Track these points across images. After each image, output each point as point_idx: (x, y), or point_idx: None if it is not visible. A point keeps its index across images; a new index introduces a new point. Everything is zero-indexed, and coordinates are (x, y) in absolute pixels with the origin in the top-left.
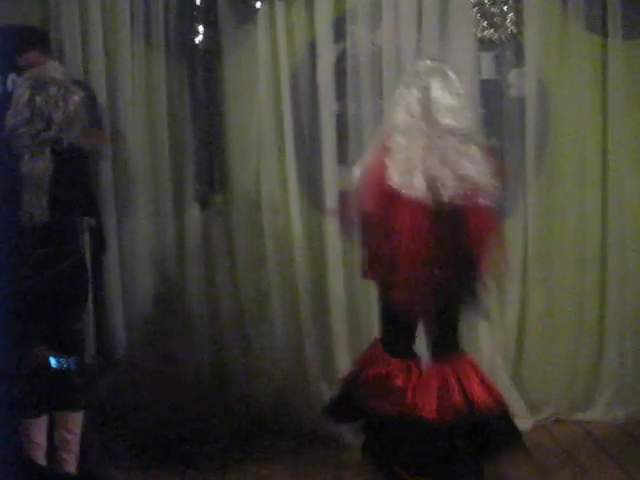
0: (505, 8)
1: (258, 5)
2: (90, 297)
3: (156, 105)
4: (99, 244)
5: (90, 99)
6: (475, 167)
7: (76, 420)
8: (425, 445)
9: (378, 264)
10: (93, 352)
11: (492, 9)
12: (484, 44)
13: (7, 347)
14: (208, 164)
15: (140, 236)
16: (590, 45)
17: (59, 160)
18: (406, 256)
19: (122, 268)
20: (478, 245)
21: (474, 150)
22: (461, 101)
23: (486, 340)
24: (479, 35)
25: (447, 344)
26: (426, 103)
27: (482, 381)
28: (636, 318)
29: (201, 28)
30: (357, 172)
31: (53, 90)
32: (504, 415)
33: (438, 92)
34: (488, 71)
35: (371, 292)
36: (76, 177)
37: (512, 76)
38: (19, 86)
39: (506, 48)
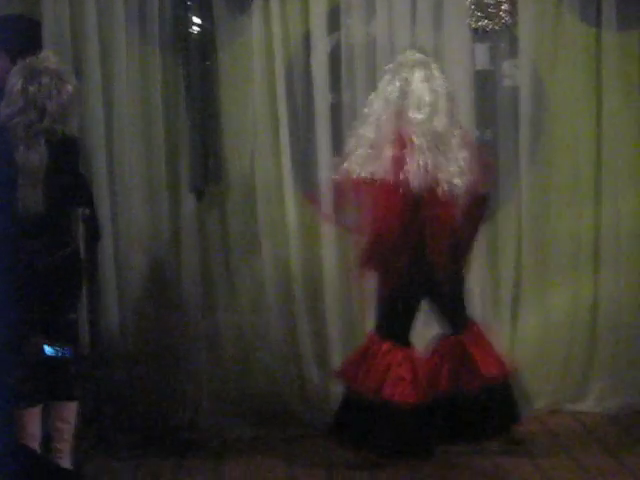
0: None
1: None
2: (84, 287)
3: (151, 97)
4: (93, 234)
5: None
6: (443, 163)
7: (71, 410)
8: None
9: (374, 252)
10: (87, 342)
11: (486, 0)
12: (478, 35)
13: (2, 336)
14: (203, 155)
15: (135, 226)
16: (584, 36)
17: (53, 150)
18: (381, 239)
19: (117, 258)
20: (435, 235)
21: (447, 149)
22: (440, 97)
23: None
24: (473, 26)
25: (459, 319)
26: (404, 95)
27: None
28: (629, 310)
29: (196, 20)
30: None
31: (46, 80)
32: (508, 387)
33: (418, 85)
34: (482, 62)
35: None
36: (70, 167)
37: (506, 67)
38: (12, 76)
39: (500, 39)
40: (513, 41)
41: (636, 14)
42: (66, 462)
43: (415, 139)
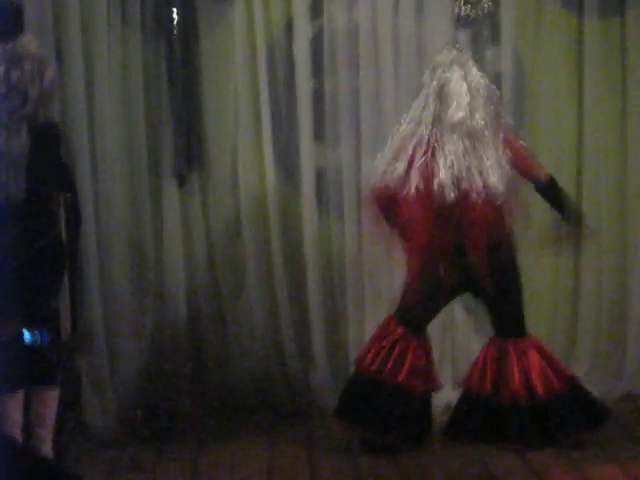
0: None
1: None
2: (66, 273)
3: (132, 82)
4: (75, 220)
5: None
6: (481, 166)
7: (51, 395)
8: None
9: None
10: (68, 328)
11: None
12: (461, 21)
13: None
14: (185, 141)
15: (116, 211)
16: (566, 23)
17: (35, 136)
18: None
19: (99, 244)
20: (472, 240)
21: (486, 147)
22: (478, 95)
23: (463, 319)
24: (456, 12)
25: (509, 325)
26: (443, 96)
27: (547, 363)
28: (611, 296)
29: (178, 4)
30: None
31: (28, 65)
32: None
33: (455, 85)
34: (465, 48)
35: (347, 267)
36: (52, 153)
37: (488, 54)
38: None
39: (483, 25)
40: (495, 28)
41: (617, 1)
42: (47, 448)
43: (450, 144)
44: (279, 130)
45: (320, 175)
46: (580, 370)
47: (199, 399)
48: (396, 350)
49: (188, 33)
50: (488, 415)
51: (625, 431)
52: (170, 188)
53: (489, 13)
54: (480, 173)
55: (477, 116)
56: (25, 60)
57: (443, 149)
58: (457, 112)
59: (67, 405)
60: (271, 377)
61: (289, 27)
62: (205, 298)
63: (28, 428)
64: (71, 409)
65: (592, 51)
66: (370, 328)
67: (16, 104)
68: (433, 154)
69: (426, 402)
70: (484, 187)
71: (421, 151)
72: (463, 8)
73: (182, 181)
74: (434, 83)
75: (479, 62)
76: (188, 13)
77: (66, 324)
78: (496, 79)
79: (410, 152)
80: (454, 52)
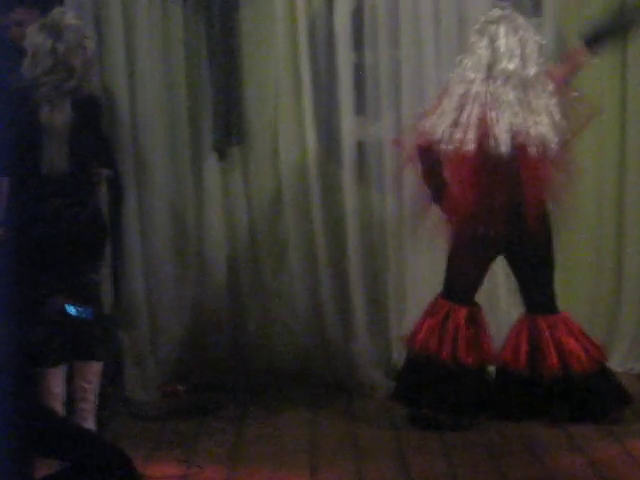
0: None
1: None
2: (109, 248)
3: (173, 54)
4: (117, 195)
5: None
6: (535, 118)
7: (94, 370)
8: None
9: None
10: (111, 302)
11: None
12: None
13: (25, 295)
14: (226, 114)
15: (158, 186)
16: None
17: (78, 109)
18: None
19: (141, 218)
20: (530, 197)
21: (538, 99)
22: (529, 46)
23: (504, 294)
24: None
25: (540, 301)
26: (493, 50)
27: (577, 339)
28: None
29: None
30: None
31: (72, 37)
32: (597, 374)
33: (505, 38)
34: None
35: (388, 240)
36: (94, 126)
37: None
38: (35, 34)
39: None
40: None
41: None
42: (90, 422)
43: (504, 95)
44: (320, 103)
45: (361, 148)
46: (622, 345)
47: (240, 372)
48: (447, 326)
49: (228, 5)
50: (524, 390)
51: None
52: (211, 161)
53: None
54: (535, 125)
55: (529, 67)
56: (66, 32)
57: (497, 102)
58: (510, 63)
59: (109, 379)
60: (312, 350)
61: (329, 0)
62: (246, 270)
63: (71, 402)
64: (113, 383)
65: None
66: (411, 302)
67: (62, 77)
68: (487, 109)
69: (482, 375)
70: (538, 140)
71: (474, 106)
72: None
73: (223, 154)
74: (484, 38)
75: None
76: None
77: (108, 298)
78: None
79: (461, 108)
80: (500, 10)
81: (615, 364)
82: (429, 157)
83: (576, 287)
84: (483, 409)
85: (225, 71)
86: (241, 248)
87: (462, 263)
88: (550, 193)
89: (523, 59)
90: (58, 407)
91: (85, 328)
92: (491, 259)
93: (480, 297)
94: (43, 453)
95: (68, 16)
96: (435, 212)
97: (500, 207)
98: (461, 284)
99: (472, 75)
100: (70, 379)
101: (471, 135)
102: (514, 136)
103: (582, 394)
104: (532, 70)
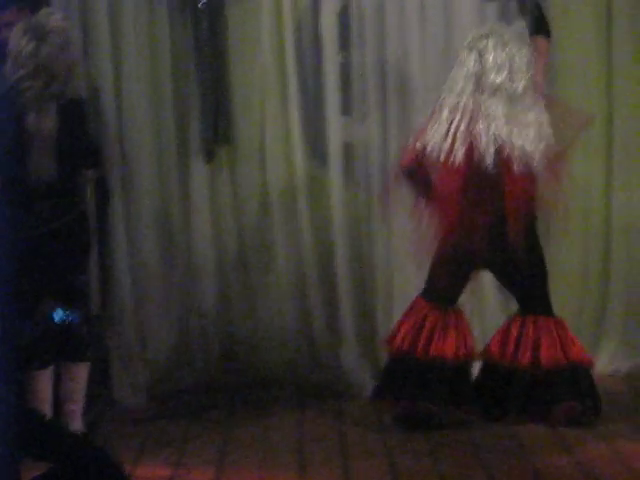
0: None
1: None
2: (95, 249)
3: (159, 57)
4: (104, 196)
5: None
6: (522, 132)
7: (82, 371)
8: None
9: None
10: (98, 304)
11: None
12: None
13: (13, 299)
14: (213, 115)
15: (145, 187)
16: None
17: (63, 113)
18: (444, 218)
19: (127, 219)
20: (513, 211)
21: (527, 112)
22: (517, 60)
23: (492, 297)
24: None
25: (533, 303)
26: (482, 63)
27: (560, 340)
28: None
29: None
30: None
31: (55, 40)
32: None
33: (493, 52)
34: (492, 21)
35: (375, 242)
36: (80, 129)
37: (516, 27)
38: (19, 36)
39: None
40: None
41: None
42: (77, 424)
43: (491, 109)
44: (306, 104)
45: (347, 149)
46: (609, 346)
47: (228, 374)
48: (426, 326)
49: (215, 7)
50: (505, 384)
51: None
52: (198, 163)
53: None
54: (520, 139)
55: (517, 80)
56: (52, 35)
57: (484, 115)
58: (497, 76)
59: (97, 381)
60: (300, 352)
61: (316, 1)
62: (234, 273)
63: (58, 404)
64: (101, 385)
65: (621, 21)
66: (399, 303)
67: (44, 82)
68: (474, 121)
69: (462, 373)
70: (524, 154)
71: (462, 119)
72: None
73: (210, 156)
74: (473, 52)
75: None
76: None
77: (96, 300)
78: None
79: (450, 120)
80: (490, 25)
81: (602, 366)
82: (415, 175)
83: (563, 290)
84: (463, 403)
85: (212, 72)
86: (228, 250)
87: (443, 271)
88: (536, 206)
89: (511, 73)
90: (46, 409)
91: (73, 329)
92: (472, 271)
93: (467, 299)
94: (31, 455)
95: (54, 18)
96: (422, 221)
97: (484, 220)
98: (441, 290)
99: (461, 88)
100: (58, 380)
101: (458, 147)
102: (499, 149)
103: (544, 389)
104: (520, 84)
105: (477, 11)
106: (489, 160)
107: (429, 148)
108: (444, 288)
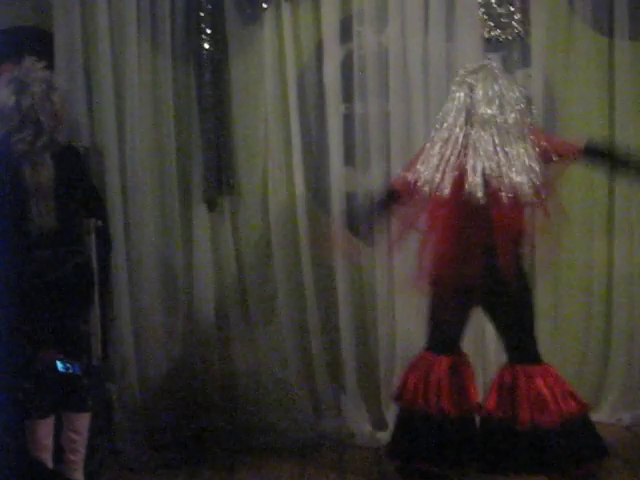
0: (512, 8)
1: (265, 5)
2: (97, 298)
3: (163, 107)
4: (106, 245)
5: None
6: (511, 165)
7: (83, 421)
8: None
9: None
10: (100, 353)
11: (499, 9)
12: (491, 44)
13: (14, 348)
14: (215, 165)
15: (148, 237)
16: (597, 45)
17: (58, 162)
18: (435, 251)
19: (130, 269)
20: (503, 243)
21: (516, 145)
22: (507, 93)
23: (493, 342)
24: (486, 35)
25: (521, 351)
26: (472, 96)
27: (552, 392)
28: None
29: (208, 29)
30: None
31: (36, 90)
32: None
33: (483, 85)
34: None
35: (378, 291)
36: (78, 176)
37: (519, 76)
38: (1, 90)
39: (513, 48)
40: (526, 51)
41: None
42: (79, 474)
43: (480, 142)
44: (309, 154)
45: (350, 199)
46: (612, 395)
47: (230, 423)
48: (431, 378)
49: (218, 58)
50: (507, 441)
51: None
52: (200, 212)
53: (519, 36)
54: (509, 171)
55: (507, 113)
56: (33, 85)
57: (474, 148)
58: (488, 108)
59: (98, 430)
60: (302, 401)
61: (319, 51)
62: (235, 321)
63: (59, 453)
64: (102, 434)
65: (623, 73)
66: (401, 353)
67: (32, 133)
68: (464, 154)
69: (468, 426)
70: (513, 186)
71: (452, 151)
72: (493, 31)
73: (212, 205)
74: (464, 85)
75: None
76: (217, 38)
77: (97, 349)
78: (527, 102)
79: (441, 154)
80: (480, 62)
81: (604, 415)
82: (403, 203)
83: (565, 338)
84: (471, 461)
85: (215, 122)
86: (230, 299)
87: (440, 313)
88: (527, 240)
89: (502, 106)
90: (47, 458)
91: (74, 379)
92: (469, 309)
93: (468, 342)
94: None
95: (34, 68)
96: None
97: (474, 254)
98: (441, 335)
99: (451, 121)
100: (59, 430)
101: (447, 179)
102: (488, 182)
103: (546, 447)
104: (511, 117)
105: (480, 61)
106: (478, 192)
107: (420, 182)
108: (444, 335)
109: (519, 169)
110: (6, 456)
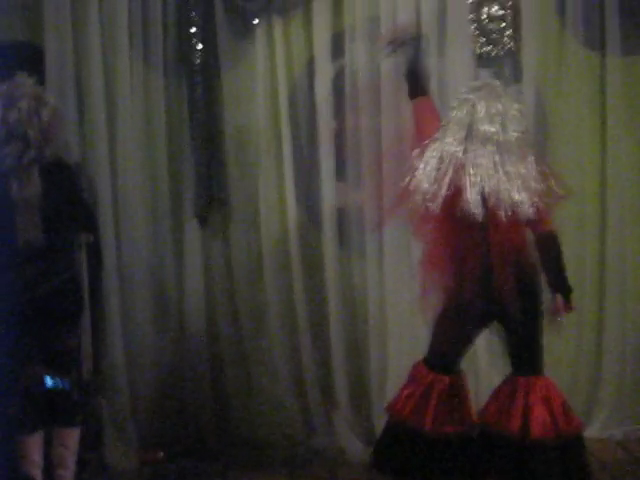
0: (503, 25)
1: (256, 21)
2: (88, 313)
3: (155, 122)
4: (96, 259)
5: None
6: (510, 183)
7: (72, 436)
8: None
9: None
10: (90, 367)
11: (490, 26)
12: (482, 60)
13: (2, 364)
14: (207, 180)
15: (138, 251)
16: (588, 61)
17: (46, 177)
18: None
19: (120, 283)
20: (499, 263)
21: (517, 164)
22: (509, 114)
23: (485, 359)
24: (477, 51)
25: (524, 363)
26: (474, 114)
27: (549, 407)
28: (635, 336)
29: (199, 45)
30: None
31: (24, 104)
32: (559, 447)
33: (486, 103)
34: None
35: (369, 307)
36: (67, 192)
37: (510, 92)
38: None
39: (504, 64)
40: (517, 66)
41: None
42: None
43: (480, 158)
44: (300, 169)
45: (342, 214)
46: (603, 411)
47: (221, 438)
48: (431, 396)
49: (210, 73)
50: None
51: None
52: (192, 227)
53: (510, 52)
54: (508, 189)
55: (509, 131)
56: (21, 100)
57: (473, 164)
58: (490, 126)
59: (88, 446)
60: (292, 417)
61: (310, 66)
62: (226, 336)
63: (49, 469)
64: (92, 450)
65: (614, 89)
66: (393, 368)
67: (18, 148)
68: (462, 170)
69: (464, 444)
70: (511, 203)
71: (449, 166)
72: (484, 47)
73: (203, 220)
74: (465, 103)
75: None
76: (209, 54)
77: (88, 364)
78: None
79: (439, 169)
80: (481, 81)
81: (596, 430)
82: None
83: (557, 352)
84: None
85: (206, 136)
86: (221, 314)
87: (445, 333)
88: (524, 256)
89: (503, 124)
90: (37, 474)
91: (63, 394)
92: (475, 329)
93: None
94: None
95: (23, 83)
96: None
97: (472, 270)
98: (444, 354)
99: (451, 137)
100: (48, 445)
101: (445, 195)
102: (486, 199)
103: (534, 463)
104: (512, 135)
105: (472, 77)
106: (475, 210)
107: (418, 196)
108: (446, 354)
109: (519, 188)
110: None
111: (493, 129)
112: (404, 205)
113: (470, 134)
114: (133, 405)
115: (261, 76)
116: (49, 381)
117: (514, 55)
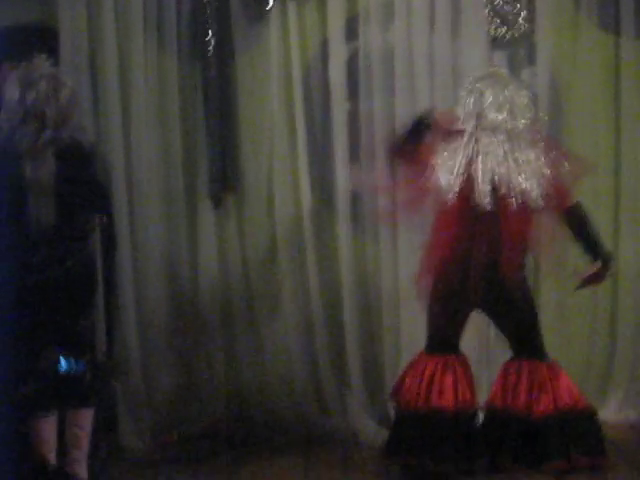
0: (518, 6)
1: (270, 5)
2: (102, 294)
3: (169, 104)
4: (110, 242)
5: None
6: (520, 171)
7: (87, 417)
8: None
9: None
10: (104, 349)
11: (505, 7)
12: (497, 42)
13: (17, 346)
14: (221, 162)
15: (153, 233)
16: (603, 43)
17: (61, 158)
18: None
19: (134, 265)
20: (508, 250)
21: (526, 151)
22: (517, 102)
23: (494, 341)
24: (492, 33)
25: (526, 346)
26: (482, 102)
27: (554, 385)
28: None
29: (213, 28)
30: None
31: (43, 85)
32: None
33: (493, 92)
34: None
35: (383, 289)
36: (82, 173)
37: (525, 74)
38: (8, 86)
39: (519, 46)
40: (531, 48)
41: None
42: (82, 470)
43: (490, 147)
44: (314, 151)
45: (356, 197)
46: (617, 393)
47: (234, 420)
48: (424, 376)
49: (224, 56)
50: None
51: None
52: (206, 209)
53: (525, 34)
54: (518, 177)
55: (518, 118)
56: (39, 81)
57: (483, 153)
58: (498, 114)
59: (102, 427)
60: (306, 399)
61: (324, 49)
62: (240, 319)
63: (63, 450)
64: (106, 431)
65: (629, 71)
66: (406, 350)
67: (36, 128)
68: (473, 159)
69: (465, 424)
70: (521, 192)
71: (461, 155)
72: (499, 29)
73: (218, 202)
74: (473, 92)
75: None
76: (223, 36)
77: (102, 346)
78: (532, 99)
79: (450, 159)
80: (490, 69)
81: (610, 413)
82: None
83: (571, 336)
84: (473, 457)
85: (220, 119)
86: (235, 297)
87: (438, 315)
88: (534, 245)
89: (512, 112)
90: (51, 455)
91: (77, 375)
92: (468, 312)
93: (472, 344)
94: None
95: (41, 65)
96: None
97: (479, 257)
98: (438, 335)
99: (461, 126)
100: (63, 426)
101: (456, 184)
102: (496, 188)
103: (542, 435)
104: (521, 123)
105: (486, 59)
106: (486, 197)
107: (438, 193)
108: (440, 335)
109: (529, 175)
110: (10, 454)
111: (501, 117)
112: (422, 202)
113: (479, 124)
114: (147, 387)
115: (275, 59)
116: (63, 362)
117: (529, 37)
